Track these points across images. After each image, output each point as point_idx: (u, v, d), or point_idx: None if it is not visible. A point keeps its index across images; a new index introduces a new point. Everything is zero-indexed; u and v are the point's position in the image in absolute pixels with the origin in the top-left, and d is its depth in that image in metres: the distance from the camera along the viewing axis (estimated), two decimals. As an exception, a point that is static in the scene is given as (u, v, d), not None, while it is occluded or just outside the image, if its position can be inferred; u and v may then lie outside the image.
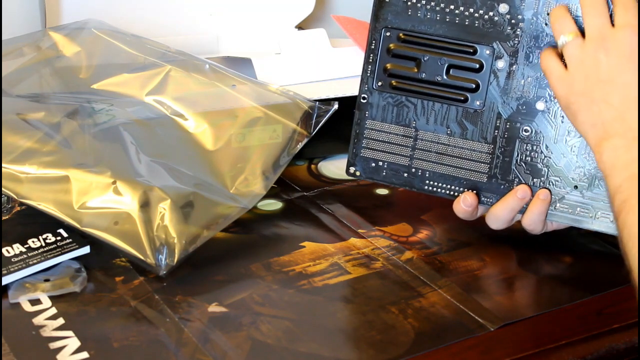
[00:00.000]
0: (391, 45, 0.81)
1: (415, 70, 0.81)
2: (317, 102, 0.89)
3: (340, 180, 0.94)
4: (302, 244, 0.81)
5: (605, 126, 0.67)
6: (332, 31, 1.08)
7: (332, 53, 1.04)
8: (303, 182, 0.93)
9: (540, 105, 0.78)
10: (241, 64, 0.99)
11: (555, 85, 0.72)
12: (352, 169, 0.84)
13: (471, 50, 0.79)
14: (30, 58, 0.88)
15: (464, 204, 0.80)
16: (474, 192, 0.80)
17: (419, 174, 0.82)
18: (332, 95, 0.94)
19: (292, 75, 0.99)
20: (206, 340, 0.67)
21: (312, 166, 0.97)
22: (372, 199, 0.91)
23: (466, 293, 0.74)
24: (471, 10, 0.79)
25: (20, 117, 0.80)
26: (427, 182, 0.82)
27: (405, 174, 0.82)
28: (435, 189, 0.82)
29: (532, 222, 0.78)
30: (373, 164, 0.83)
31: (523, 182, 0.79)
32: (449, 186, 0.81)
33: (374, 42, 0.81)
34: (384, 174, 0.83)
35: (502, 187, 0.80)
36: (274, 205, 0.88)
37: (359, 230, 0.84)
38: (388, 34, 0.81)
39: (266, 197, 0.84)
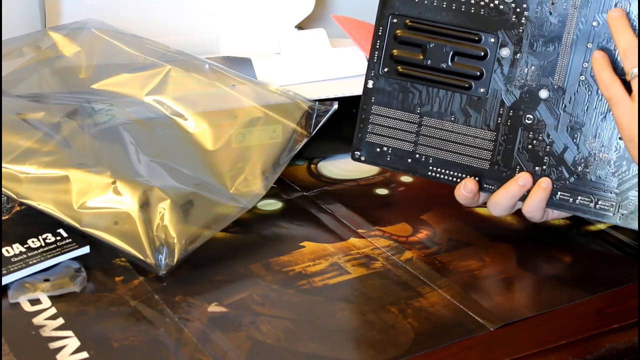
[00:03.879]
0: (398, 32, 0.82)
1: (421, 57, 0.81)
2: (317, 102, 0.89)
3: (340, 180, 0.94)
4: (302, 244, 0.81)
5: None
6: (332, 31, 1.08)
7: (332, 53, 1.04)
8: (303, 182, 0.93)
9: (543, 94, 0.78)
10: (241, 64, 0.99)
11: (621, 116, 0.72)
12: (357, 154, 0.84)
13: (476, 38, 0.80)
14: (30, 58, 0.88)
15: (465, 190, 0.80)
16: (476, 178, 0.81)
17: (423, 159, 0.82)
18: (332, 95, 0.94)
19: (292, 75, 0.99)
20: (206, 340, 0.67)
21: (312, 166, 0.97)
22: (372, 199, 0.91)
23: (466, 293, 0.74)
24: None
25: (20, 117, 0.80)
26: (430, 168, 0.82)
27: (409, 160, 0.83)
28: (438, 175, 0.82)
29: (532, 210, 0.79)
30: (378, 149, 0.83)
31: (525, 169, 0.79)
32: (451, 172, 0.82)
33: (380, 28, 0.82)
34: (388, 159, 0.83)
35: (504, 174, 0.80)
36: (274, 205, 0.88)
37: (359, 230, 0.84)
38: (395, 20, 0.82)
39: (266, 197, 0.84)
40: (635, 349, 0.70)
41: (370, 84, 0.83)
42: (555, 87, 0.78)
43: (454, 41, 0.80)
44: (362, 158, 0.84)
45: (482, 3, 0.79)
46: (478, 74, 0.80)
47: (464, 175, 0.81)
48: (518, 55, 0.79)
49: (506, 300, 0.74)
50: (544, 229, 0.85)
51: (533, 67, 0.78)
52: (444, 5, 0.80)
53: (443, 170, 0.82)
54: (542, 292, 0.76)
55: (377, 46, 0.83)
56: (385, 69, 0.82)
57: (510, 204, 0.80)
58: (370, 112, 0.83)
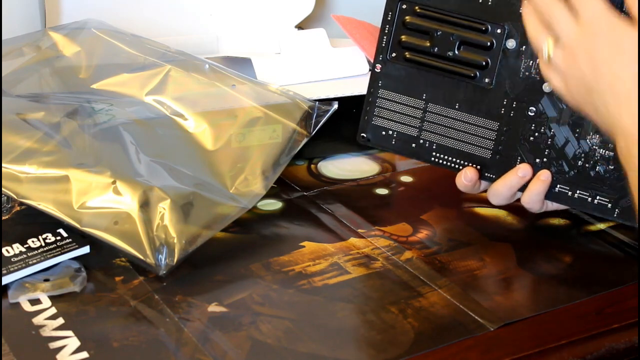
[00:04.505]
0: (406, 18, 0.82)
1: (428, 44, 0.82)
2: (317, 102, 0.89)
3: (340, 180, 0.94)
4: (302, 243, 0.81)
5: (609, 130, 0.67)
6: (332, 31, 1.08)
7: (332, 53, 1.03)
8: (303, 182, 0.93)
9: (547, 87, 0.78)
10: (241, 64, 0.99)
11: (564, 99, 0.71)
12: (363, 136, 0.86)
13: (483, 28, 0.80)
14: (30, 58, 0.88)
15: (465, 179, 0.81)
16: (476, 167, 0.81)
17: (427, 145, 0.83)
18: (332, 95, 0.94)
19: (292, 75, 0.99)
20: (206, 340, 0.67)
21: (312, 166, 0.97)
22: (372, 199, 0.91)
23: (466, 293, 0.74)
24: None
25: (20, 117, 0.80)
26: (434, 154, 0.83)
27: (413, 145, 0.84)
28: (440, 161, 0.83)
29: (531, 201, 0.80)
30: (383, 133, 0.85)
31: (525, 160, 0.80)
32: (454, 159, 0.83)
33: (390, 13, 0.83)
34: (393, 143, 0.84)
35: (505, 164, 0.80)
36: (274, 205, 0.88)
37: (359, 230, 0.84)
38: (404, 6, 0.82)
39: (266, 197, 0.84)
40: (635, 349, 0.70)
41: (378, 68, 0.84)
42: None
43: (461, 30, 0.81)
44: (368, 140, 0.85)
45: None
46: (483, 63, 0.80)
47: (466, 163, 0.82)
48: (524, 47, 0.79)
49: (506, 300, 0.74)
50: (544, 229, 0.85)
51: (538, 60, 0.78)
52: None
53: (446, 157, 0.83)
54: (542, 292, 0.76)
55: (386, 31, 0.83)
56: (393, 54, 0.83)
57: (509, 194, 0.80)
58: (377, 96, 0.84)
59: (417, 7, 0.82)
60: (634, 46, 0.64)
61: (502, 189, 0.80)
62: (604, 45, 0.65)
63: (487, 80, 0.80)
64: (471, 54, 0.81)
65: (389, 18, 0.83)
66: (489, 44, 0.80)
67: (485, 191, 0.83)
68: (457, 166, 0.83)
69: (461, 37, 0.81)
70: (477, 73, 0.81)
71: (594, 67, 0.65)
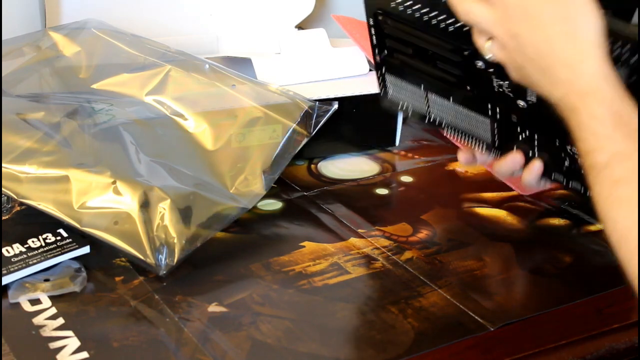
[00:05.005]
0: (385, 28, 0.82)
1: (410, 50, 0.81)
2: (317, 102, 0.89)
3: (340, 180, 0.94)
4: (302, 243, 0.81)
5: (554, 101, 0.67)
6: (332, 31, 1.08)
7: (332, 53, 1.03)
8: (303, 182, 0.93)
9: (521, 103, 0.77)
10: (241, 64, 0.99)
11: (517, 80, 0.70)
12: (385, 103, 0.88)
13: (450, 47, 0.78)
14: (30, 58, 0.88)
15: (461, 159, 0.84)
16: (482, 146, 0.82)
17: (437, 122, 0.85)
18: (332, 95, 0.94)
19: (292, 75, 0.99)
20: (206, 340, 0.67)
21: (312, 166, 0.97)
22: (372, 199, 0.91)
23: (466, 293, 0.74)
24: (450, 18, 0.78)
25: (20, 117, 0.80)
26: (444, 128, 0.85)
27: (426, 118, 0.85)
28: (450, 135, 0.85)
29: (528, 185, 0.81)
30: (400, 104, 0.86)
31: (521, 149, 0.79)
32: (462, 135, 0.84)
33: (371, 19, 0.82)
34: (410, 115, 0.86)
35: (502, 149, 0.81)
36: (274, 205, 0.88)
37: (359, 230, 0.84)
38: (380, 17, 0.82)
39: (266, 197, 0.84)
40: (635, 349, 0.70)
41: (378, 59, 0.84)
42: (530, 102, 0.76)
43: (432, 47, 0.80)
44: (390, 106, 0.87)
45: (449, 21, 0.78)
46: (461, 73, 0.79)
47: (473, 140, 0.83)
48: (491, 69, 0.77)
49: (506, 300, 0.74)
50: (544, 229, 0.85)
51: (507, 81, 0.77)
52: (417, 15, 0.79)
53: (454, 133, 0.84)
54: (542, 292, 0.76)
55: (373, 33, 0.83)
56: (385, 52, 0.83)
57: (504, 176, 0.84)
58: (386, 79, 0.85)
59: (389, 19, 0.81)
60: (540, 12, 0.64)
61: (497, 172, 0.82)
62: (519, 20, 0.65)
63: (468, 87, 0.80)
64: (448, 65, 0.80)
65: (372, 23, 0.83)
66: (460, 60, 0.79)
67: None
68: (466, 142, 0.84)
69: (434, 50, 0.80)
70: (457, 80, 0.80)
71: (518, 44, 0.66)
